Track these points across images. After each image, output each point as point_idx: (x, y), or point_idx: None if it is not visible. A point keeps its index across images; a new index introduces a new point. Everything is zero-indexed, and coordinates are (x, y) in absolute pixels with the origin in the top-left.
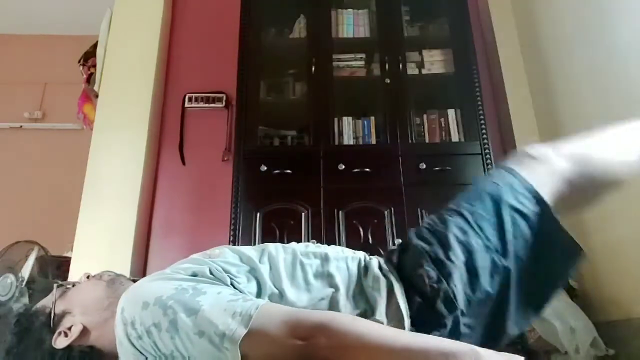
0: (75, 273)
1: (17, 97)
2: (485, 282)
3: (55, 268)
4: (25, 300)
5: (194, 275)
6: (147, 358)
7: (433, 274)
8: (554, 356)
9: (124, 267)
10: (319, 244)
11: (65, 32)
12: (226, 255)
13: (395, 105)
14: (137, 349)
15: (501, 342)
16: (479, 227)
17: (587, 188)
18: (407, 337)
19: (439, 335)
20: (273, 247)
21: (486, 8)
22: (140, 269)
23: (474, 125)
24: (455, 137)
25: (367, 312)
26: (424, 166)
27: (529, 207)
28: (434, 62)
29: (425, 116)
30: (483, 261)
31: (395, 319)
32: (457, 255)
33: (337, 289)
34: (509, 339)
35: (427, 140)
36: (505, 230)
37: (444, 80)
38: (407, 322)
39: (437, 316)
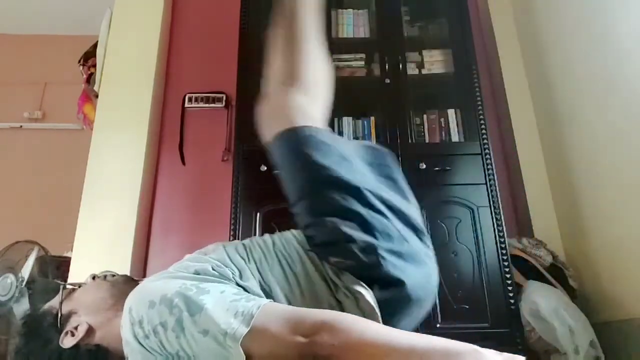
0: (75, 273)
1: (17, 97)
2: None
3: (55, 268)
4: (25, 300)
5: (197, 273)
6: (156, 358)
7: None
8: (554, 356)
9: (124, 267)
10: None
11: (65, 32)
12: (221, 252)
13: (395, 105)
14: (145, 348)
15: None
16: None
17: None
18: (411, 337)
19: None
20: (251, 243)
21: (486, 8)
22: (140, 269)
23: (474, 125)
24: (455, 137)
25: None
26: (424, 166)
27: None
28: (434, 62)
29: (425, 116)
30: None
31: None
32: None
33: (311, 273)
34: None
35: (427, 140)
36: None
37: (444, 80)
38: (370, 295)
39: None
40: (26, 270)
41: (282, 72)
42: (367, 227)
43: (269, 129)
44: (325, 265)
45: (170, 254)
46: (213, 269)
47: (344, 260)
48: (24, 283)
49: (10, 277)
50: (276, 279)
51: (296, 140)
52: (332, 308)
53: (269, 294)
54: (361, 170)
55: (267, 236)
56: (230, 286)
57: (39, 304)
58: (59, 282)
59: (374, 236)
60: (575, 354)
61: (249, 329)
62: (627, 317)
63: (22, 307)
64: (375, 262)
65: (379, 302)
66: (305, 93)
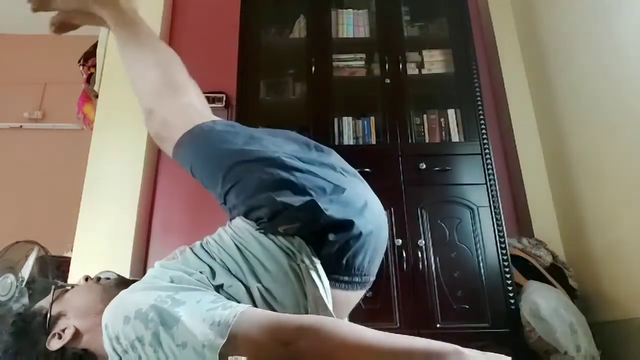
0: (75, 273)
1: (17, 97)
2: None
3: (55, 268)
4: (25, 300)
5: (172, 281)
6: None
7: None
8: (553, 356)
9: (124, 267)
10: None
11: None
12: (189, 255)
13: (395, 105)
14: None
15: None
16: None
17: None
18: (392, 339)
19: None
20: (207, 241)
21: (486, 8)
22: (140, 269)
23: (474, 125)
24: (455, 137)
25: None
26: (424, 166)
27: None
28: (434, 62)
29: (425, 116)
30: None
31: (307, 256)
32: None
33: (270, 248)
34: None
35: (427, 140)
36: None
37: (444, 80)
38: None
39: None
40: (26, 270)
41: (151, 85)
42: (299, 189)
43: (167, 142)
44: (278, 236)
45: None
46: (188, 275)
47: (291, 225)
48: (24, 283)
49: (10, 277)
50: (241, 267)
51: (199, 139)
52: (295, 272)
53: (243, 283)
54: (273, 141)
55: (219, 229)
56: (207, 293)
57: (34, 304)
58: (56, 282)
59: (309, 194)
60: (577, 351)
61: (225, 339)
62: (628, 317)
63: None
64: (319, 214)
65: (338, 247)
66: (182, 93)
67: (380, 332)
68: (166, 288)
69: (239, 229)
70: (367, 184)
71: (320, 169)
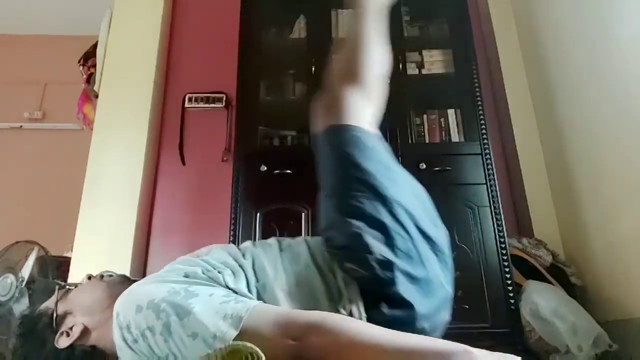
0: (75, 273)
1: (17, 97)
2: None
3: (55, 268)
4: (25, 300)
5: (186, 276)
6: None
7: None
8: (552, 356)
9: (124, 267)
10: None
11: (65, 32)
12: (214, 254)
13: (395, 105)
14: (135, 352)
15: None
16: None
17: None
18: (401, 338)
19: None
20: (253, 244)
21: (486, 8)
22: (140, 269)
23: (474, 125)
24: (455, 137)
25: (335, 296)
26: (424, 166)
27: None
28: (434, 62)
29: (425, 116)
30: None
31: (354, 302)
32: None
33: (313, 277)
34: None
35: (427, 141)
36: None
37: (444, 80)
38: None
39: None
40: (26, 270)
41: (344, 68)
42: (390, 241)
43: (320, 120)
44: (337, 271)
45: (170, 255)
46: (203, 273)
47: (358, 269)
48: (24, 283)
49: (10, 277)
50: (273, 279)
51: (343, 138)
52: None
53: (262, 294)
54: (400, 183)
55: (280, 238)
56: (219, 289)
57: (37, 304)
58: (56, 282)
59: (394, 253)
60: (579, 351)
61: (238, 332)
62: (628, 316)
63: (21, 307)
64: (389, 279)
65: (384, 321)
66: (362, 93)
67: (389, 330)
68: (180, 281)
69: (297, 245)
70: (453, 275)
71: (419, 237)
